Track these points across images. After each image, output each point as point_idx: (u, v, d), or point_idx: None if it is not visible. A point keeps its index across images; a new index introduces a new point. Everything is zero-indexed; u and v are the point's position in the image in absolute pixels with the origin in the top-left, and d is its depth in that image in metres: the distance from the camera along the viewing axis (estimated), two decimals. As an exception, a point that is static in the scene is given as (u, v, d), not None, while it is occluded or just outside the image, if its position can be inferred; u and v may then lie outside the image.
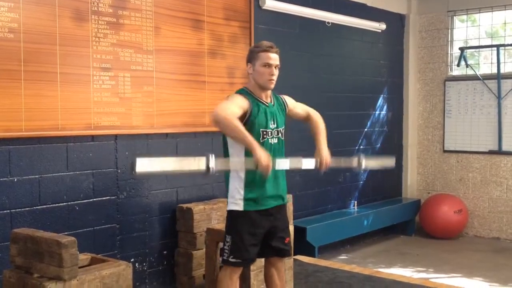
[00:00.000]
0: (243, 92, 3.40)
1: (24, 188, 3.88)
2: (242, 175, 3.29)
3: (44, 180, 3.99)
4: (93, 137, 4.26)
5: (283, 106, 3.54)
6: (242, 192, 3.30)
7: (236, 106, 3.22)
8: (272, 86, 3.37)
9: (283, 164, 3.29)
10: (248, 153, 3.16)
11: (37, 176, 3.95)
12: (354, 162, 3.57)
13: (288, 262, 3.64)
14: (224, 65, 5.12)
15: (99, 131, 4.25)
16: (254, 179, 3.28)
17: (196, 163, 2.92)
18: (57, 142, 4.06)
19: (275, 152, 3.35)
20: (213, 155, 2.96)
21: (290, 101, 3.60)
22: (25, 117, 3.82)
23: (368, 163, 3.68)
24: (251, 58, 3.38)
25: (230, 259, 3.32)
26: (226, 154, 3.38)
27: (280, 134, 3.43)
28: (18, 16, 3.77)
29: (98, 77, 4.22)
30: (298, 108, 3.64)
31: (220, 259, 3.45)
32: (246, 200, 3.29)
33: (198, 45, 4.90)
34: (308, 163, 3.39)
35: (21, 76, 3.80)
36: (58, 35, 3.98)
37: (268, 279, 3.59)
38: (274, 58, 3.33)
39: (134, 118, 4.47)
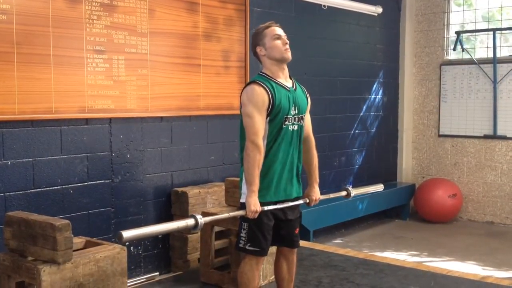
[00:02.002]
0: (260, 79, 3.24)
1: (18, 171, 3.86)
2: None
3: (38, 164, 3.97)
4: (87, 120, 4.24)
5: (305, 94, 3.43)
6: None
7: (260, 116, 3.14)
8: (290, 55, 3.30)
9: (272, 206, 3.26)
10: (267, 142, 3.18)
11: (31, 159, 3.93)
12: (343, 193, 3.76)
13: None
14: (219, 48, 5.08)
15: (93, 114, 4.22)
16: (268, 175, 3.23)
17: (183, 222, 2.92)
18: (51, 125, 4.03)
19: (294, 139, 3.29)
20: (200, 215, 2.94)
21: (309, 102, 3.48)
22: (18, 100, 3.79)
23: (357, 191, 3.86)
24: (259, 39, 3.31)
25: (247, 247, 3.23)
26: (243, 140, 3.28)
27: (300, 121, 3.32)
28: (10, -3, 3.73)
29: (92, 60, 4.18)
30: (307, 116, 3.47)
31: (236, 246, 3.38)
32: (259, 191, 3.19)
33: (193, 28, 4.86)
34: (298, 202, 3.43)
35: (14, 58, 3.76)
36: (51, 17, 3.94)
37: (276, 270, 3.54)
38: (280, 30, 3.31)
39: (129, 102, 4.44)
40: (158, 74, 4.61)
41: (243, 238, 3.25)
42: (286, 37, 3.32)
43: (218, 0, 5.05)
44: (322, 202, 6.19)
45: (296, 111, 3.29)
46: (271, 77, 3.27)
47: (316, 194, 3.51)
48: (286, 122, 3.24)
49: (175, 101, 4.77)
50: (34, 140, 3.95)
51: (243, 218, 3.25)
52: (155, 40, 4.58)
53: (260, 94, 3.17)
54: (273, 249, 3.65)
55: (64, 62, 4.02)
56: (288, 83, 3.33)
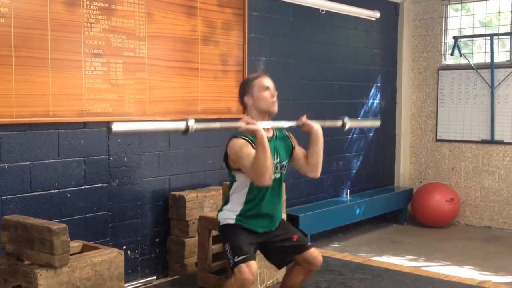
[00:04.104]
0: (241, 134, 3.22)
1: (15, 174, 3.85)
2: (241, 204, 3.30)
3: (35, 167, 3.96)
4: (85, 124, 4.23)
5: (288, 141, 3.46)
6: (235, 216, 3.32)
7: (250, 156, 3.15)
8: (276, 109, 3.32)
9: (266, 124, 3.26)
10: (251, 190, 3.25)
11: (28, 163, 3.92)
12: (338, 122, 3.64)
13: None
14: (217, 52, 5.08)
15: (91, 117, 4.22)
16: (250, 221, 3.30)
17: (173, 124, 2.93)
18: (49, 129, 4.02)
19: (276, 187, 3.35)
20: (193, 120, 2.92)
21: (294, 144, 3.49)
22: (16, 103, 3.78)
23: (353, 123, 3.79)
24: (247, 89, 3.33)
25: (236, 260, 3.19)
26: (232, 179, 3.39)
27: (283, 169, 3.38)
28: (8, 1, 3.72)
29: (90, 63, 4.18)
30: (300, 150, 3.50)
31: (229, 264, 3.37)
32: (237, 217, 3.31)
33: (191, 31, 4.86)
34: (290, 123, 3.38)
35: (12, 61, 3.76)
36: (50, 20, 3.94)
37: (291, 277, 3.50)
38: (269, 81, 3.35)
39: (127, 105, 4.43)
40: (156, 78, 4.61)
41: (230, 256, 3.23)
42: (274, 88, 3.34)
43: (216, 4, 5.05)
44: (320, 206, 6.28)
45: (278, 160, 3.34)
46: None
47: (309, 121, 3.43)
48: None
49: (173, 105, 4.76)
50: (32, 143, 3.94)
51: (224, 241, 3.32)
52: (153, 44, 4.58)
53: (245, 144, 3.20)
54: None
55: (62, 65, 4.01)
56: (269, 133, 3.35)
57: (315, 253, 3.43)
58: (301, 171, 3.50)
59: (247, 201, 3.31)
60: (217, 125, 3.17)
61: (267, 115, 3.33)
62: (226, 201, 3.44)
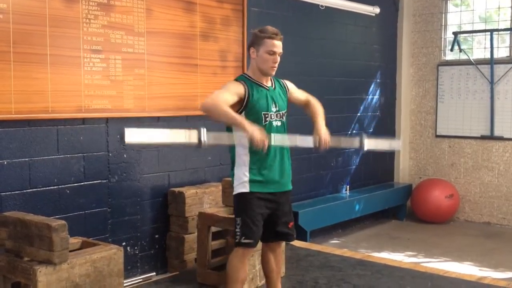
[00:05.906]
0: (241, 78, 3.42)
1: (14, 171, 3.85)
2: (247, 160, 3.34)
3: (34, 163, 3.95)
4: (84, 120, 4.22)
5: (284, 89, 3.58)
6: (247, 174, 3.35)
7: (228, 93, 3.28)
8: (274, 73, 3.44)
9: (279, 140, 3.31)
10: (252, 148, 3.24)
11: (27, 159, 3.91)
12: (355, 142, 3.48)
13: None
14: (216, 48, 5.07)
15: (90, 114, 4.21)
16: (258, 163, 3.34)
17: (187, 136, 2.97)
18: (48, 125, 4.01)
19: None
20: (205, 129, 3.01)
21: (291, 85, 3.66)
22: (14, 100, 3.77)
23: (371, 144, 3.51)
24: (255, 42, 3.40)
25: (243, 241, 3.34)
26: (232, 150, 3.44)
27: (282, 117, 3.47)
28: (7, -3, 3.71)
29: (89, 59, 4.16)
30: (298, 93, 3.69)
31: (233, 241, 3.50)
32: (251, 182, 3.34)
33: (190, 27, 4.85)
34: (306, 141, 3.40)
35: (11, 57, 3.74)
36: (48, 16, 3.92)
37: (265, 264, 3.62)
38: (278, 45, 3.40)
39: (126, 101, 4.42)
40: (155, 74, 4.60)
41: (238, 233, 3.36)
42: (280, 54, 3.42)
43: (215, 0, 5.04)
44: (319, 202, 6.28)
45: (277, 108, 3.44)
46: (252, 79, 3.42)
47: (322, 130, 3.43)
48: (268, 119, 3.37)
49: (172, 101, 4.75)
50: (31, 139, 3.93)
51: (236, 214, 3.39)
52: (152, 39, 4.56)
53: (234, 84, 3.35)
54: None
55: (60, 61, 4.00)
56: (268, 83, 3.48)
57: (283, 249, 3.68)
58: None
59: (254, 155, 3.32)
60: (225, 139, 3.28)
61: (264, 74, 3.43)
62: (233, 157, 3.43)
